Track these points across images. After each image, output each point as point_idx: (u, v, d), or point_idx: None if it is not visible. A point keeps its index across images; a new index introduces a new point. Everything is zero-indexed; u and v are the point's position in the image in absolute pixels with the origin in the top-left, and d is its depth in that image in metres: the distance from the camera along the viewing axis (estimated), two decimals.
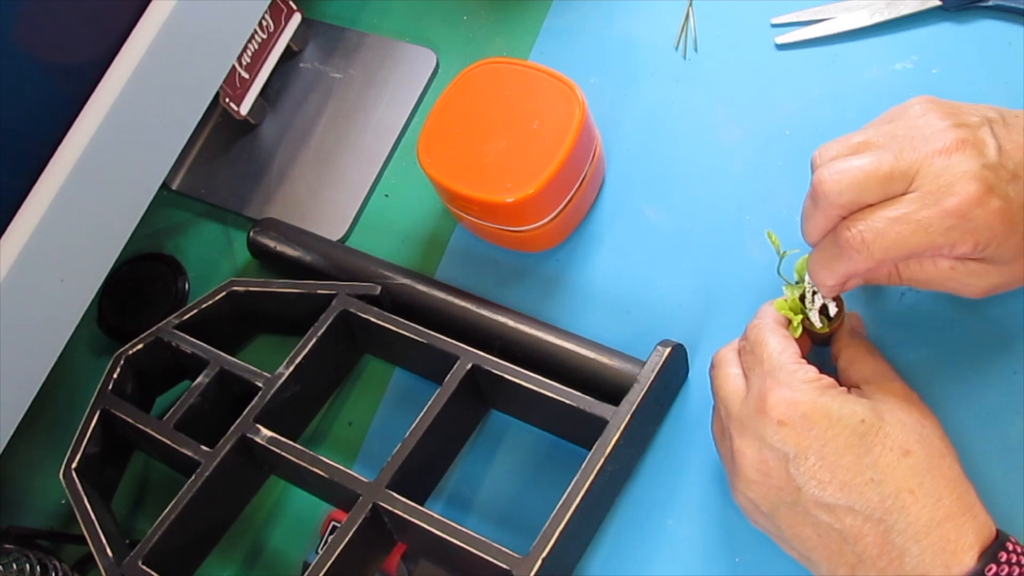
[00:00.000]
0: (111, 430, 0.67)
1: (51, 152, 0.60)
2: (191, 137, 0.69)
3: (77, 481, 0.63)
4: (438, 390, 0.60)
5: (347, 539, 0.57)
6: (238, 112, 0.76)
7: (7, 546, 0.64)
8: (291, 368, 0.64)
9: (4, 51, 0.56)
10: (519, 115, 0.64)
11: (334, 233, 0.74)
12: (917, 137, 0.49)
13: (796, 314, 0.56)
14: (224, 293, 0.69)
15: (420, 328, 0.64)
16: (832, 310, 0.55)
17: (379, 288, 0.67)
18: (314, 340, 0.65)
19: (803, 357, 0.54)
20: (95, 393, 0.67)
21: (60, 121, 0.60)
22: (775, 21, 0.70)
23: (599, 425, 0.57)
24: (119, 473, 0.70)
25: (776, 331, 0.54)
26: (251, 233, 0.74)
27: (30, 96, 0.59)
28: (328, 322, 0.65)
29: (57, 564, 0.64)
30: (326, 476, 0.60)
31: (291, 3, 0.78)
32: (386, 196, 0.75)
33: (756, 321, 0.55)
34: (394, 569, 0.61)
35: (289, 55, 0.80)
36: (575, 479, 0.55)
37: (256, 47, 0.75)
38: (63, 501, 0.72)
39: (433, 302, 0.67)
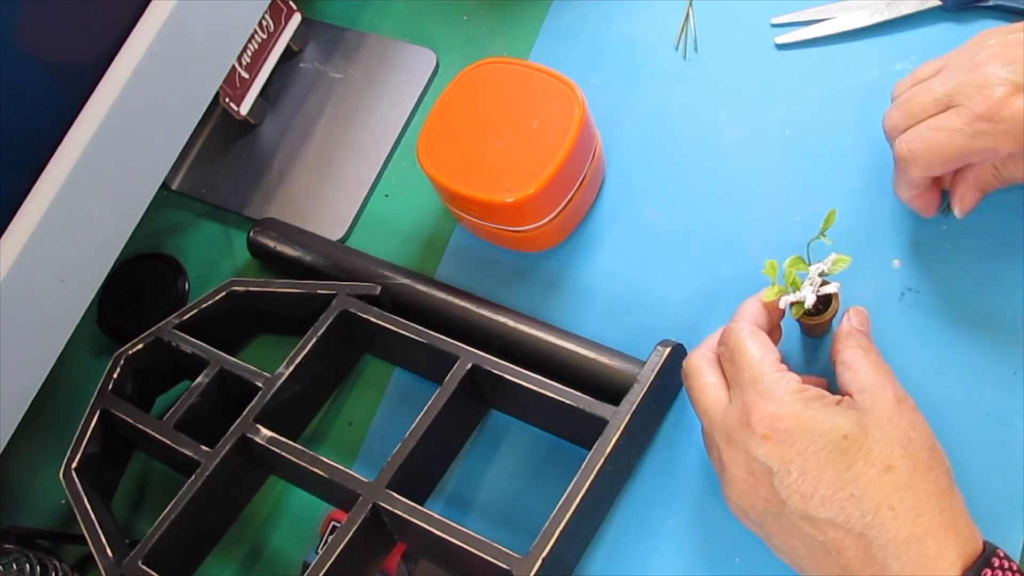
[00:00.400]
0: (111, 430, 0.67)
1: (51, 152, 0.60)
2: (191, 137, 0.69)
3: (77, 481, 0.63)
4: (438, 390, 0.60)
5: (347, 539, 0.57)
6: (238, 112, 0.76)
7: (7, 546, 0.64)
8: (291, 368, 0.64)
9: (4, 51, 0.56)
10: (519, 115, 0.64)
11: (334, 233, 0.74)
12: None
13: (788, 290, 0.55)
14: (224, 293, 0.69)
15: (420, 328, 0.64)
16: (810, 300, 0.55)
17: (379, 288, 0.67)
18: (314, 340, 0.65)
19: (777, 325, 0.55)
20: (95, 393, 0.67)
21: (60, 121, 0.60)
22: (775, 21, 0.70)
23: (599, 425, 0.57)
24: (119, 473, 0.70)
25: (755, 335, 0.53)
26: (251, 233, 0.74)
27: (30, 96, 0.59)
28: (328, 322, 0.65)
29: (57, 564, 0.64)
30: (326, 476, 0.60)
31: (291, 3, 0.78)
32: (386, 196, 0.75)
33: (733, 324, 0.55)
34: (394, 569, 0.61)
35: (289, 55, 0.80)
36: (575, 479, 0.55)
37: (256, 47, 0.75)
38: (63, 501, 0.72)
39: (433, 302, 0.67)
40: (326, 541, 0.59)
